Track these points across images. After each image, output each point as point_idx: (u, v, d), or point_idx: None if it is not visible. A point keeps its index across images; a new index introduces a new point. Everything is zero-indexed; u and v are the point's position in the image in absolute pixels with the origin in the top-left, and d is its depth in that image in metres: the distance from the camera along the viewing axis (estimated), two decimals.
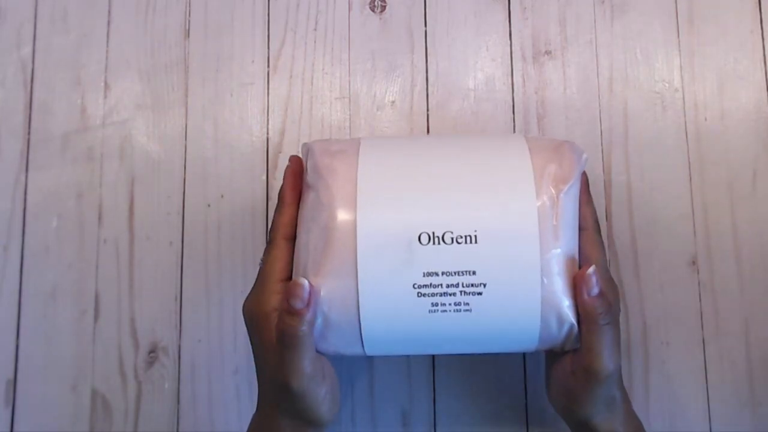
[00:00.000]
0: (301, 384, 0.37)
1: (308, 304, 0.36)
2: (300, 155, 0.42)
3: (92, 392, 0.49)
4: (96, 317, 0.49)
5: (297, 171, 0.41)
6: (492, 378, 0.48)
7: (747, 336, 0.47)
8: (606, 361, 0.37)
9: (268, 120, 0.51)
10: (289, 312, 0.36)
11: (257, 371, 0.40)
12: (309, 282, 0.37)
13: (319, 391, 0.38)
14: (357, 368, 0.49)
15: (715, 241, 0.48)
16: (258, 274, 0.40)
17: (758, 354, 0.47)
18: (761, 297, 0.48)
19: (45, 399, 0.49)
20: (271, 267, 0.39)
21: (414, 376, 0.48)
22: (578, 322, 0.38)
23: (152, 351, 0.49)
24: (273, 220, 0.41)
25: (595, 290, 0.37)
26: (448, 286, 0.36)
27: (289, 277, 0.40)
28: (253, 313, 0.39)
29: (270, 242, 0.40)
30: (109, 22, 0.52)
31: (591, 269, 0.37)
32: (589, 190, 0.42)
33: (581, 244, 0.40)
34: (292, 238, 0.40)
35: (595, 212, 0.42)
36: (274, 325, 0.38)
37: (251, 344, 0.40)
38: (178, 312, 0.49)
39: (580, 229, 0.40)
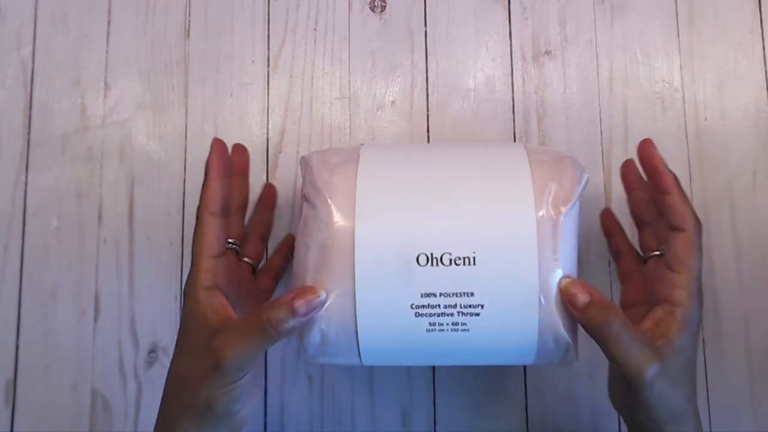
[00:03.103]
0: (233, 373, 0.36)
1: (306, 314, 0.36)
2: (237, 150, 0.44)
3: (92, 392, 0.49)
4: (96, 317, 0.49)
5: (222, 145, 0.40)
6: (492, 378, 0.48)
7: (747, 336, 0.47)
8: (638, 366, 0.34)
9: (268, 120, 0.51)
10: (289, 309, 0.36)
11: (175, 349, 0.39)
12: (325, 297, 0.36)
13: (241, 400, 0.37)
14: (357, 369, 0.49)
15: (715, 241, 0.48)
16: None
17: (758, 354, 0.47)
18: (761, 297, 0.48)
19: (45, 399, 0.49)
20: (199, 245, 0.38)
21: (414, 376, 0.48)
22: (575, 341, 0.37)
23: (152, 351, 0.49)
24: (200, 197, 0.39)
25: (582, 300, 0.35)
26: (445, 306, 0.36)
27: (220, 254, 0.38)
28: (185, 293, 0.38)
29: (197, 219, 0.39)
30: (109, 22, 0.52)
31: (564, 282, 0.36)
32: (680, 185, 0.38)
33: (676, 246, 0.37)
34: (221, 214, 0.39)
35: (692, 211, 0.38)
36: (203, 302, 0.37)
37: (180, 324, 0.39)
38: (178, 312, 0.49)
39: (678, 229, 0.38)
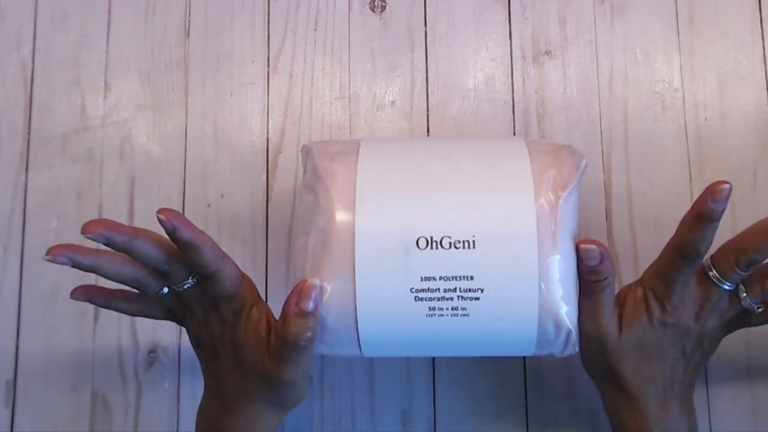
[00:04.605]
0: (297, 379, 0.38)
1: (317, 307, 0.37)
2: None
3: (92, 392, 0.49)
4: (96, 317, 0.49)
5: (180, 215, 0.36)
6: (492, 378, 0.48)
7: (747, 336, 0.47)
8: (588, 323, 0.38)
9: (268, 120, 0.51)
10: (300, 315, 0.36)
11: (222, 373, 0.40)
12: (319, 282, 0.37)
13: (307, 380, 0.40)
14: (357, 368, 0.49)
15: (715, 241, 0.48)
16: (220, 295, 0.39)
17: (758, 354, 0.47)
18: None
19: (45, 399, 0.49)
20: (222, 284, 0.38)
21: (414, 376, 0.48)
22: (575, 328, 0.38)
23: (152, 351, 0.49)
24: (202, 256, 0.37)
25: (591, 262, 0.37)
26: (445, 290, 0.36)
27: (241, 276, 0.40)
28: (226, 324, 0.40)
29: (215, 272, 0.38)
30: (109, 22, 0.52)
31: (588, 246, 0.37)
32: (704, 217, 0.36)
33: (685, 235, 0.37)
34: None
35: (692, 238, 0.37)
36: (255, 320, 0.39)
37: (228, 338, 0.40)
38: None
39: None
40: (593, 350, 0.39)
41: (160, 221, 0.35)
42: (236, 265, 0.39)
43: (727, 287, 0.38)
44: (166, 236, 0.36)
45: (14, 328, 0.49)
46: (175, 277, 0.38)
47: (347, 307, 0.37)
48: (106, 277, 0.38)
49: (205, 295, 0.39)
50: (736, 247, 0.37)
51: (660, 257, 0.39)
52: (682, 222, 0.37)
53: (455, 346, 0.40)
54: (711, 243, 0.37)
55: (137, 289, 0.39)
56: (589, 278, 0.38)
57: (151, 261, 0.37)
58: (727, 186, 0.35)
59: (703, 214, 0.36)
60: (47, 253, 0.35)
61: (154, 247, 0.37)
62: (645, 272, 0.40)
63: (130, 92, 0.51)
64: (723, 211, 0.35)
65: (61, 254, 0.35)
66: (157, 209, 0.35)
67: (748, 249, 0.36)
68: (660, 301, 0.38)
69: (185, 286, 0.39)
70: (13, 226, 0.50)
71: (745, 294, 0.38)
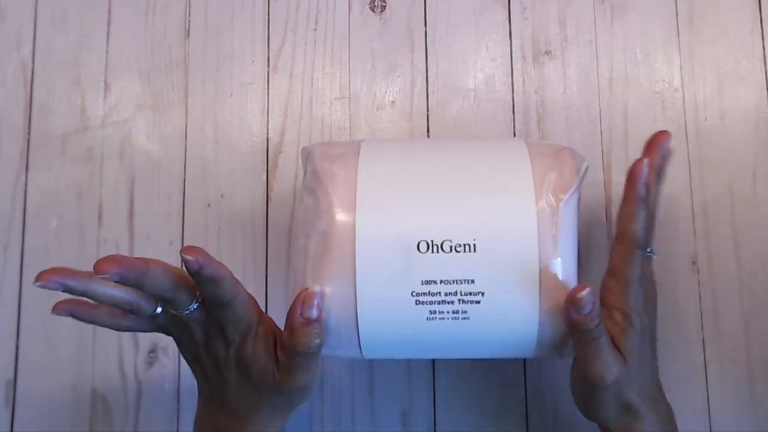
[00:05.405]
0: (309, 383, 0.39)
1: (320, 314, 0.37)
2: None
3: (92, 392, 0.49)
4: None
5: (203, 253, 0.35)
6: (492, 378, 0.48)
7: (747, 336, 0.47)
8: (600, 371, 0.37)
9: (268, 120, 0.51)
10: (306, 324, 0.36)
11: (229, 391, 0.39)
12: (319, 288, 0.37)
13: (313, 383, 0.40)
14: (357, 368, 0.49)
15: (715, 241, 0.48)
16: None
17: (758, 354, 0.47)
18: (761, 297, 0.48)
19: (45, 399, 0.49)
20: (232, 311, 0.37)
21: (414, 376, 0.48)
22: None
23: (152, 351, 0.49)
24: (221, 287, 0.36)
25: (586, 309, 0.36)
26: (446, 294, 0.36)
27: (244, 293, 0.38)
28: (232, 345, 0.39)
29: (230, 300, 0.37)
30: (109, 22, 0.52)
31: (584, 292, 0.36)
32: (637, 203, 0.39)
33: (614, 257, 0.40)
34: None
35: (637, 229, 0.39)
36: (261, 336, 0.38)
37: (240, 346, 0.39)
38: None
39: (618, 241, 0.40)
40: (598, 393, 0.38)
41: (187, 262, 0.34)
42: (245, 289, 0.38)
43: (648, 252, 0.41)
44: (167, 262, 0.36)
45: (14, 328, 0.49)
46: (178, 304, 0.37)
47: (348, 310, 0.37)
48: (99, 302, 0.36)
49: (208, 318, 0.38)
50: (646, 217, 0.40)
51: (613, 273, 0.40)
52: (624, 219, 0.39)
53: (456, 349, 0.40)
54: None
55: (130, 311, 0.37)
56: (587, 326, 0.36)
57: (159, 292, 0.36)
58: (645, 169, 0.39)
59: (639, 198, 0.39)
60: (37, 278, 0.34)
61: (163, 278, 0.35)
62: (603, 298, 0.40)
63: (130, 92, 0.51)
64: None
65: (52, 279, 0.34)
66: (180, 249, 0.34)
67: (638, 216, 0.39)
68: (637, 310, 0.39)
69: (187, 312, 0.37)
70: (13, 226, 0.50)
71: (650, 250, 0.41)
